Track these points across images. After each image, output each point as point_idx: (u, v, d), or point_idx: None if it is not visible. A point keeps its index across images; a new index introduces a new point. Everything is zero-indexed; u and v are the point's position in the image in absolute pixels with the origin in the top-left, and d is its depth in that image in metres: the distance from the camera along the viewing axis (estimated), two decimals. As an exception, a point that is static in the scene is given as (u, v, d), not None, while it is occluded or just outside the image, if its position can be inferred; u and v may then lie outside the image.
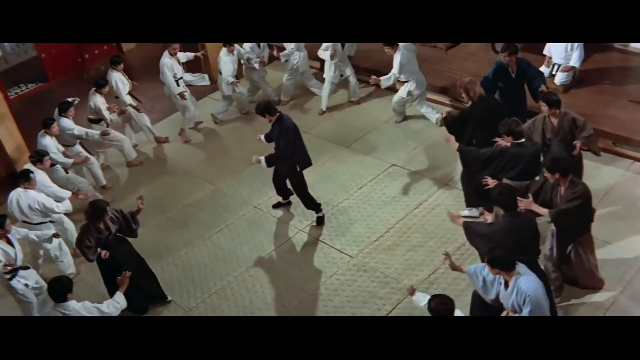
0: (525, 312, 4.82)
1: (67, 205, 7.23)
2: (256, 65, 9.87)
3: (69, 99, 8.64)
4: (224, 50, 9.59)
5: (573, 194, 5.54)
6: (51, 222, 7.29)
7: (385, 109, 9.65)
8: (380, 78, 8.69)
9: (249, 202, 8.35)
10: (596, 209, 6.05)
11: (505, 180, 6.09)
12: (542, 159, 6.41)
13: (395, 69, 8.69)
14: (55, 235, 7.14)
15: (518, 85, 7.61)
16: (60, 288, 5.31)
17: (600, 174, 7.56)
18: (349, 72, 9.82)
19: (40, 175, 7.34)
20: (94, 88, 8.93)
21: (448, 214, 6.10)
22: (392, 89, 9.51)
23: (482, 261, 5.29)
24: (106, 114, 8.94)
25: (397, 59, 8.62)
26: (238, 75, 9.82)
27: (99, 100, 8.89)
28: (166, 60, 9.35)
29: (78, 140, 8.65)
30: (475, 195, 6.88)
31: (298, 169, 7.40)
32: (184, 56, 9.71)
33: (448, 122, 7.28)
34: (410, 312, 6.33)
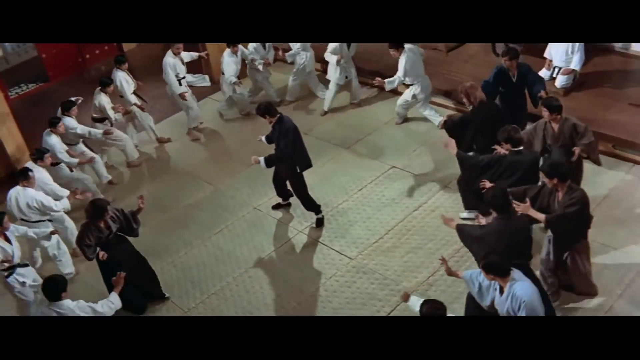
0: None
1: (65, 204, 7.23)
2: (260, 67, 9.88)
3: (72, 98, 8.64)
4: (227, 51, 9.59)
5: (571, 200, 5.49)
6: (49, 220, 7.29)
7: (386, 110, 9.65)
8: (385, 80, 8.62)
9: (249, 203, 8.35)
10: (596, 211, 6.04)
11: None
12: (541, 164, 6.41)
13: (400, 72, 8.59)
14: (54, 232, 7.13)
15: (518, 89, 7.59)
16: (54, 287, 5.31)
17: (600, 177, 7.55)
18: (353, 73, 9.80)
19: (40, 173, 7.35)
20: (99, 87, 8.92)
21: (441, 217, 6.10)
22: (394, 91, 9.50)
23: (479, 264, 5.29)
24: (111, 113, 8.94)
25: (402, 61, 8.51)
26: (241, 76, 9.80)
27: (103, 99, 8.89)
28: (169, 59, 9.35)
29: (81, 139, 8.65)
30: (473, 197, 6.88)
31: (298, 170, 7.40)
32: (187, 56, 9.70)
33: (448, 127, 7.29)
34: (409, 314, 6.31)
